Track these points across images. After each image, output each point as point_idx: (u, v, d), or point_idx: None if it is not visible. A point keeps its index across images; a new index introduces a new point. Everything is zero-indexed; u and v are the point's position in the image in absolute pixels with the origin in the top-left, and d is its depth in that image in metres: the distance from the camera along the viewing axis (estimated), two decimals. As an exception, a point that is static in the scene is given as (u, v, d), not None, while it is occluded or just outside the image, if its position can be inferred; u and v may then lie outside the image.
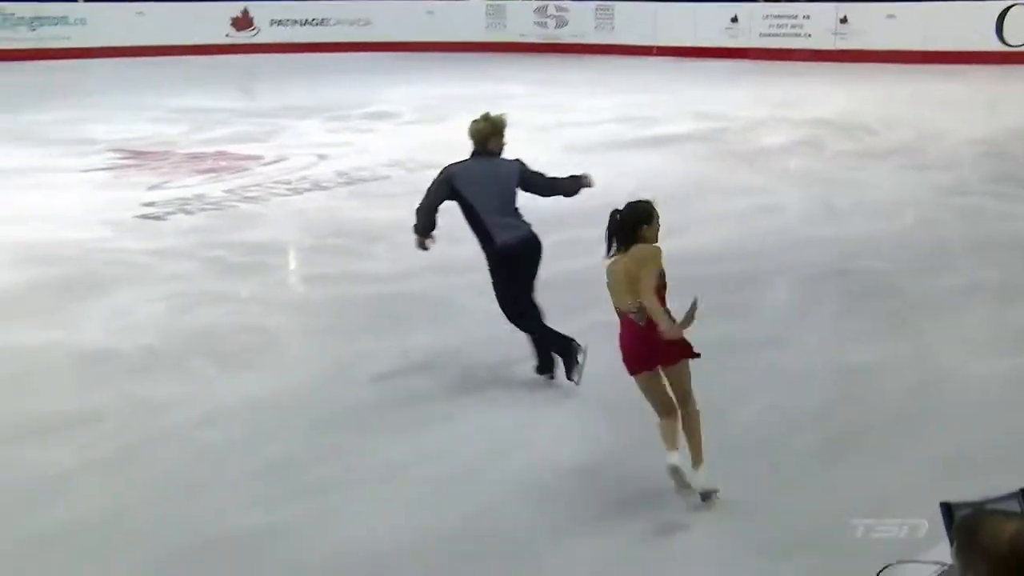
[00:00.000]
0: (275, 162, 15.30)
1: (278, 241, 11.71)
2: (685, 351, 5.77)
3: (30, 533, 5.67)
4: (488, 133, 7.36)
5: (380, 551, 5.52)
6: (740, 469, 6.18)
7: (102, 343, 8.36)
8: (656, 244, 5.81)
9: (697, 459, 5.73)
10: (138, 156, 15.65)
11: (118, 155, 15.68)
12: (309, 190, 13.68)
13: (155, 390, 7.45)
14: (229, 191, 13.47)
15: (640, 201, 5.94)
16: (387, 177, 14.38)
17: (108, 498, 6.05)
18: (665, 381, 5.81)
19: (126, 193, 13.33)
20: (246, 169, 14.81)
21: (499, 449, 6.62)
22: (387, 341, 8.41)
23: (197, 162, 15.24)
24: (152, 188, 13.59)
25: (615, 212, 5.85)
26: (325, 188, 13.80)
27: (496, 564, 5.43)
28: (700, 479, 5.70)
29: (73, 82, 23.84)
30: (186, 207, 12.63)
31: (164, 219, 12.15)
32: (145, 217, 12.22)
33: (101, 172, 14.67)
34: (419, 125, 18.49)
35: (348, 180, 14.23)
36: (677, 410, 5.78)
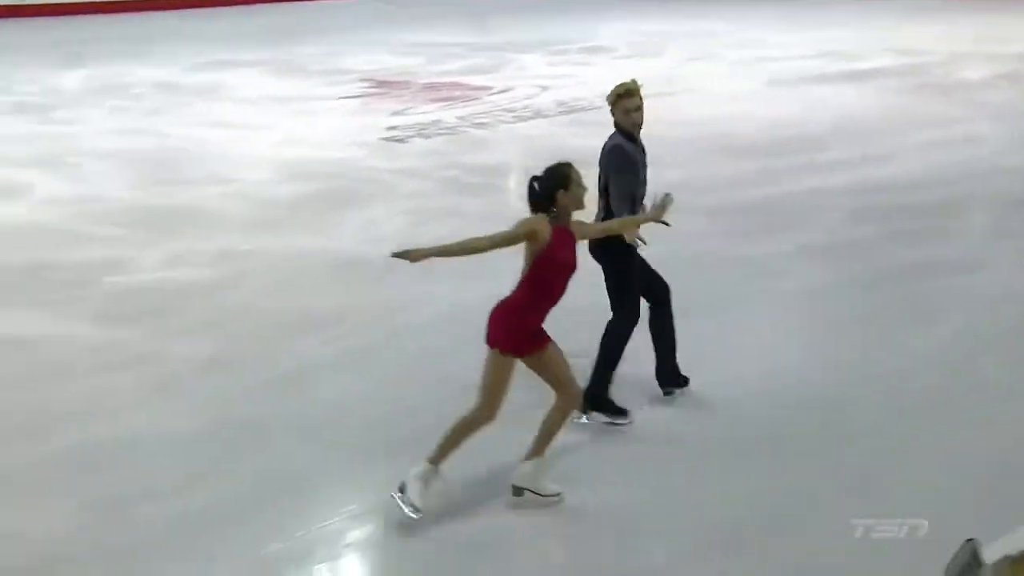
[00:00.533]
0: (502, 92, 15.31)
1: (504, 164, 11.78)
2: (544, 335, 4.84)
3: (297, 417, 5.88)
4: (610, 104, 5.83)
5: (600, 443, 5.51)
6: (933, 387, 5.95)
7: (353, 250, 8.61)
8: (554, 217, 4.74)
9: (536, 453, 4.91)
10: (383, 85, 15.91)
11: (366, 85, 15.97)
12: (532, 118, 13.66)
13: (395, 294, 7.61)
14: (461, 118, 13.58)
15: (559, 164, 4.82)
16: (602, 107, 14.13)
17: (354, 387, 6.24)
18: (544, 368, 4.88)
19: (373, 119, 13.60)
20: (476, 98, 14.88)
21: (699, 352, 6.52)
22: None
23: (434, 91, 15.40)
24: (395, 114, 13.81)
25: (532, 179, 4.78)
26: (546, 116, 13.75)
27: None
28: (524, 469, 4.89)
29: (327, 21, 24.33)
30: (424, 132, 12.81)
31: (405, 142, 12.36)
32: (389, 140, 12.46)
33: (352, 100, 14.99)
34: (632, 59, 18.16)
35: (567, 109, 14.13)
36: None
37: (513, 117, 13.66)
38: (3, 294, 7.80)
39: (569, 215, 4.79)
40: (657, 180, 10.00)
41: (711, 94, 14.66)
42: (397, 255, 4.57)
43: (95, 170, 11.25)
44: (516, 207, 10.37)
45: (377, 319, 7.23)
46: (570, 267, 4.80)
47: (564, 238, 4.77)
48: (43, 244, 8.89)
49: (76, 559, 4.61)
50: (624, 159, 5.63)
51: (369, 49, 19.57)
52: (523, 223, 4.72)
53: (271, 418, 5.84)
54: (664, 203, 5.23)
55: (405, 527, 4.72)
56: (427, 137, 12.57)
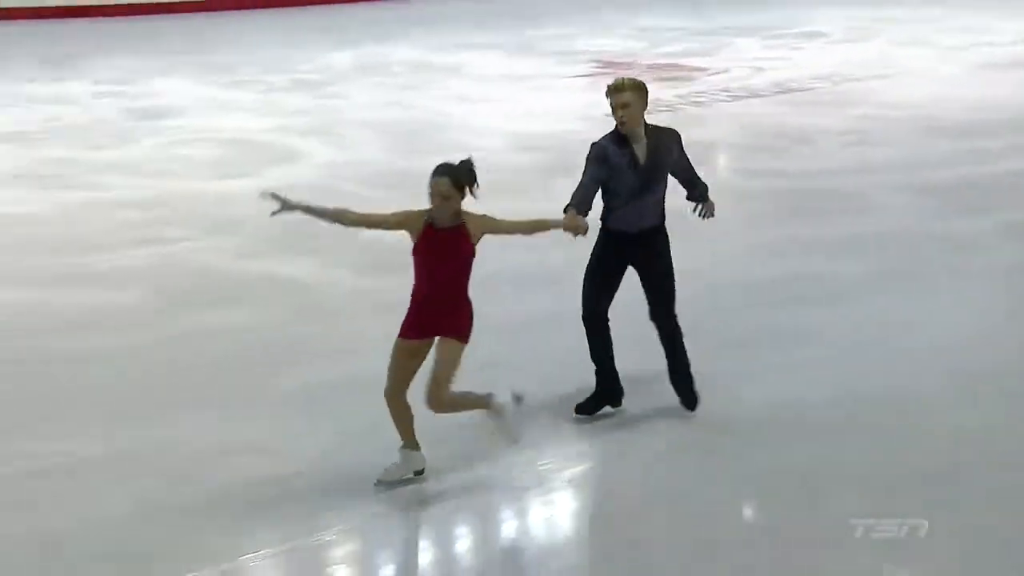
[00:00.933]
0: (719, 73, 14.97)
1: (718, 139, 11.54)
2: (453, 331, 4.51)
3: (527, 364, 5.89)
4: None
5: (802, 402, 5.41)
6: None
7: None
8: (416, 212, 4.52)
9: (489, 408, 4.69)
10: (609, 66, 15.80)
11: (594, 65, 15.92)
12: (747, 97, 13.32)
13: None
14: (680, 96, 13.37)
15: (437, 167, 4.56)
16: (813, 88, 13.70)
17: (572, 339, 6.23)
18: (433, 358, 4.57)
19: (599, 96, 13.27)
20: (694, 78, 14.60)
21: (903, 322, 6.26)
22: (809, 227, 8.14)
23: (655, 71, 15.18)
24: (620, 92, 13.71)
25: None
26: (760, 96, 13.37)
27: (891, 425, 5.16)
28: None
29: (562, 6, 24.31)
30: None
31: (628, 118, 12.26)
32: (612, 116, 12.37)
33: (580, 78, 14.98)
34: (845, 44, 17.39)
35: (780, 90, 13.69)
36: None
37: (729, 96, 13.35)
38: (285, 242, 8.15)
39: (438, 214, 4.52)
40: (867, 159, 9.76)
41: (923, 77, 13.90)
42: (269, 195, 4.49)
43: (358, 138, 11.71)
44: (731, 178, 10.31)
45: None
46: (428, 265, 4.52)
47: (433, 235, 4.51)
48: (316, 201, 9.27)
49: (320, 476, 4.82)
50: (592, 152, 5.13)
51: (598, 32, 19.48)
52: (397, 212, 4.57)
53: (504, 362, 5.87)
54: (578, 223, 4.78)
55: (629, 469, 4.74)
56: (648, 113, 12.41)
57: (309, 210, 4.52)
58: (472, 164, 4.60)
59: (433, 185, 4.50)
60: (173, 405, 5.55)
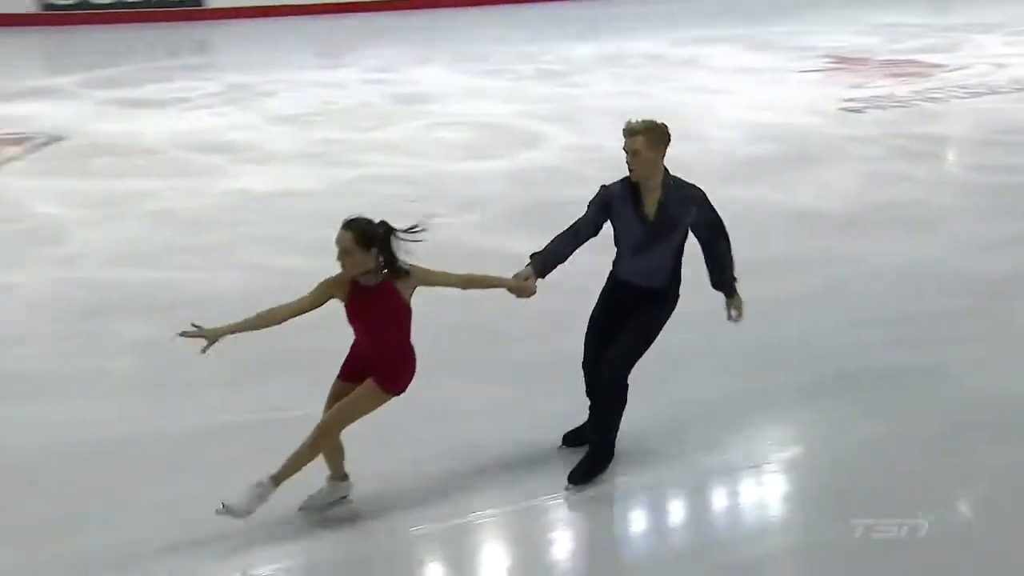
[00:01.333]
0: (957, 69, 14.02)
1: (953, 135, 10.89)
2: (376, 374, 4.14)
3: (723, 351, 5.67)
4: None
5: (997, 398, 5.08)
6: None
7: (810, 205, 8.37)
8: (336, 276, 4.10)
9: (280, 475, 4.13)
10: (844, 61, 15.14)
11: (828, 60, 15.28)
12: (985, 94, 12.43)
13: (846, 245, 7.37)
14: (915, 92, 12.64)
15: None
16: (1058, 83, 12.65)
17: (786, 330, 6.06)
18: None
19: (833, 90, 13.01)
20: (931, 75, 13.75)
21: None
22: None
23: (890, 67, 14.43)
24: (853, 87, 13.12)
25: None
26: (1000, 93, 12.45)
27: None
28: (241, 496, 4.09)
29: (799, 2, 23.42)
30: (879, 104, 12.08)
31: (861, 112, 11.73)
32: (846, 110, 11.88)
33: (815, 73, 14.41)
34: (1096, 39, 15.95)
35: (1021, 87, 12.69)
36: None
37: (966, 93, 12.50)
38: (525, 220, 8.19)
39: (348, 272, 4.11)
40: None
41: None
42: (187, 334, 3.97)
43: (597, 125, 11.72)
44: (960, 174, 9.73)
45: (826, 266, 6.99)
46: (356, 322, 4.16)
47: (359, 293, 4.13)
48: (555, 182, 9.44)
49: (534, 445, 4.80)
50: (596, 195, 4.48)
51: (834, 29, 18.65)
52: (314, 289, 4.13)
53: (694, 347, 5.68)
54: (528, 285, 4.31)
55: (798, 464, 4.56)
56: (882, 108, 11.85)
57: (235, 328, 4.05)
58: (388, 228, 4.17)
59: (337, 238, 4.09)
60: (418, 368, 5.73)
